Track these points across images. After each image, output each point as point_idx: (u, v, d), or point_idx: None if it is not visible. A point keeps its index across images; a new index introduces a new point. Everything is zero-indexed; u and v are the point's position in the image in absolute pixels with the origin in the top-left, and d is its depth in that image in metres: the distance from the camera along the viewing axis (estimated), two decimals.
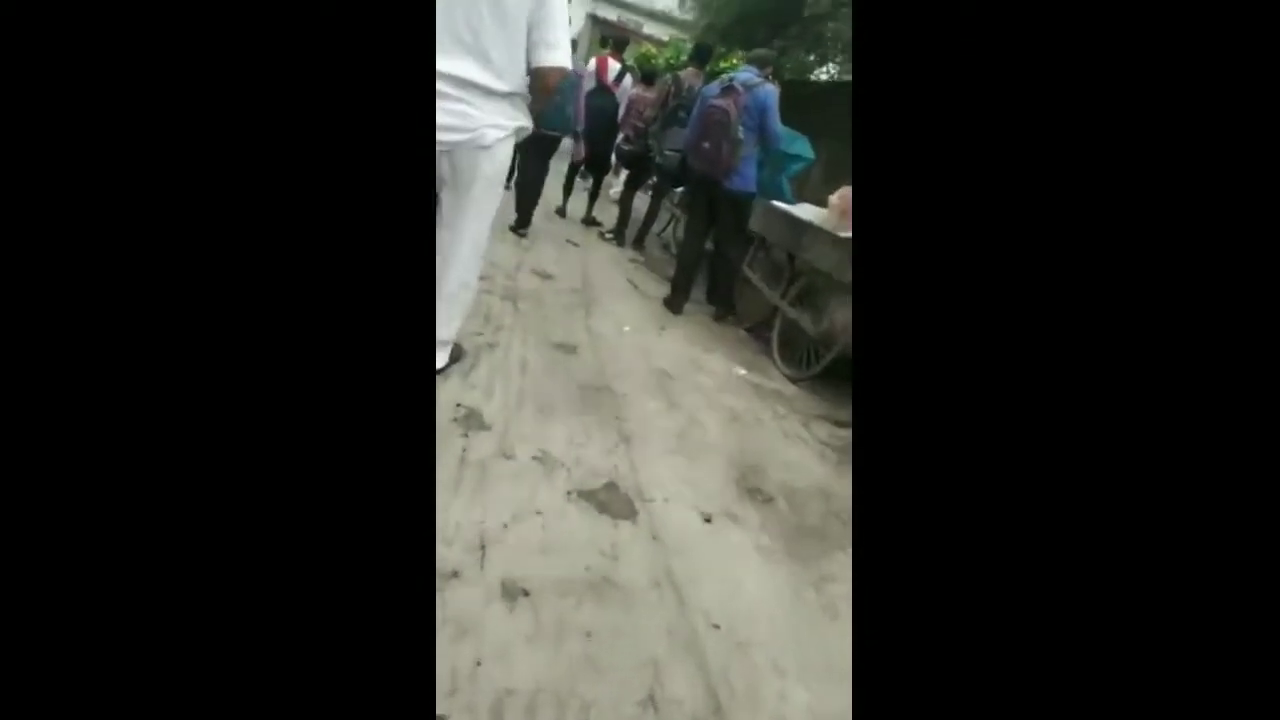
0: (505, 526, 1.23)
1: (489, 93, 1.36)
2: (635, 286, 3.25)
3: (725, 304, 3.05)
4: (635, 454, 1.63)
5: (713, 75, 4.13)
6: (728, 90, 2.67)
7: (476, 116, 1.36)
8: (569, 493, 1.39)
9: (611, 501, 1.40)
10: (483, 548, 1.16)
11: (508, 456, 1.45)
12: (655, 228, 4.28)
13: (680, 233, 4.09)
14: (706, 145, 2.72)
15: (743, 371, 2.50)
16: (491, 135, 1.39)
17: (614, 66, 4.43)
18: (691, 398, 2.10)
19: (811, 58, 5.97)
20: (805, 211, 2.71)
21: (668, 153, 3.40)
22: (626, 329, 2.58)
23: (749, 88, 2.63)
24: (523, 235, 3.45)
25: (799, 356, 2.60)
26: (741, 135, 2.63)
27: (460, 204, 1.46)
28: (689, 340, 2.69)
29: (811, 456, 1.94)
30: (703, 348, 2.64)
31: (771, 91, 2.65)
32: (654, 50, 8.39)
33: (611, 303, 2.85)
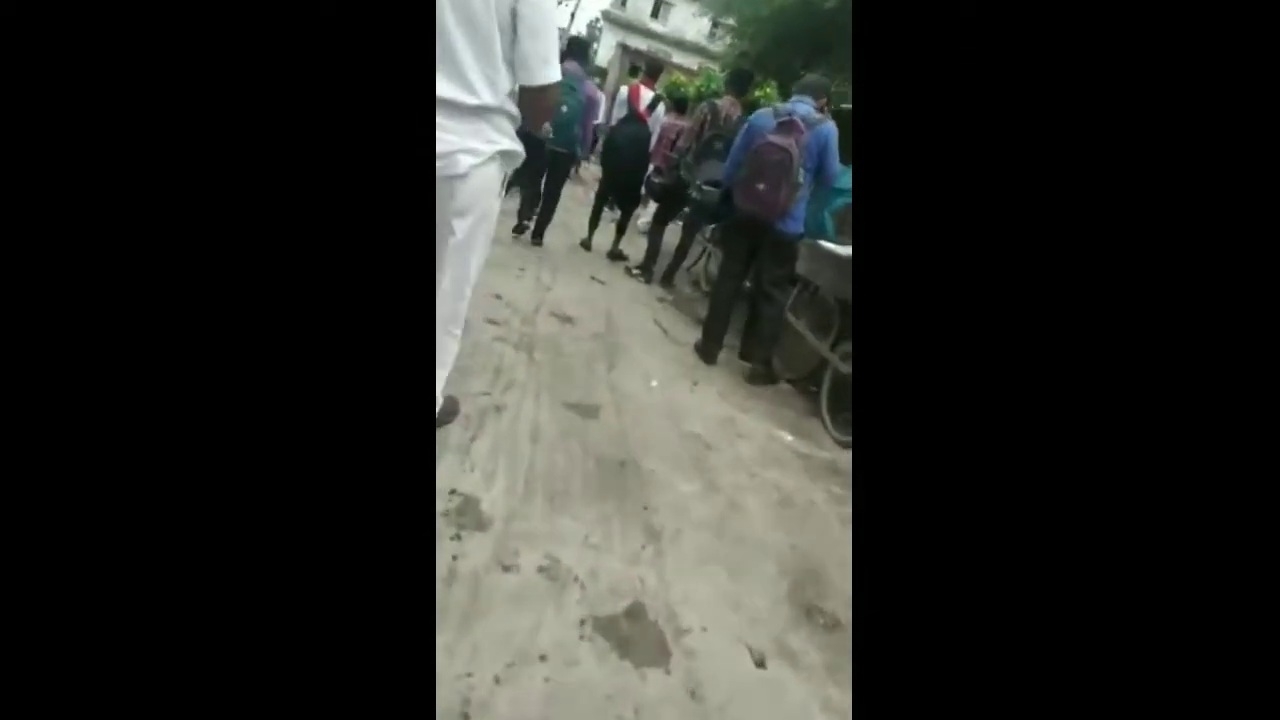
0: (498, 681, 0.94)
1: (456, 108, 1.15)
2: (664, 331, 2.98)
3: (763, 362, 2.65)
4: (666, 560, 1.33)
5: (750, 105, 3.91)
6: (787, 126, 2.35)
7: (447, 140, 1.15)
8: (582, 622, 1.09)
9: (636, 636, 1.10)
10: (465, 717, 0.87)
11: (507, 568, 1.16)
12: (685, 262, 4.01)
13: (712, 268, 3.81)
14: (762, 187, 2.38)
15: (789, 437, 2.18)
16: (465, 162, 1.17)
17: (646, 94, 4.25)
18: (731, 475, 1.79)
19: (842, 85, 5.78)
20: None
21: (704, 187, 3.12)
22: (654, 384, 2.29)
23: (809, 125, 2.33)
24: (522, 235, 3.72)
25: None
26: (801, 178, 2.34)
27: (437, 240, 1.23)
28: (724, 396, 2.39)
29: None
30: (739, 406, 2.34)
31: (833, 130, 2.35)
32: (684, 79, 8.29)
33: (638, 351, 2.58)
